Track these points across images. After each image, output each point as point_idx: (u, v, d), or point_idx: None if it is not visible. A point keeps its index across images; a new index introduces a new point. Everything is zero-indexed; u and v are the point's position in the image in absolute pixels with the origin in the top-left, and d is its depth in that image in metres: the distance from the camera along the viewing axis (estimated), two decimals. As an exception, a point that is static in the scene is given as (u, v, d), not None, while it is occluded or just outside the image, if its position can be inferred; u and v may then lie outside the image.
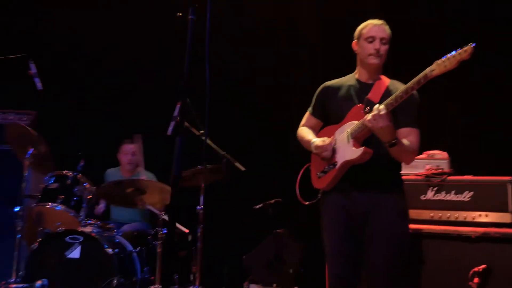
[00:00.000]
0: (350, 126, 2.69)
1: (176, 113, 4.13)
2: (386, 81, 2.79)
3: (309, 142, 2.84)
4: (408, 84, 2.45)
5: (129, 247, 4.05)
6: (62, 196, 3.99)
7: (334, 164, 2.71)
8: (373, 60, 2.75)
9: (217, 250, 4.89)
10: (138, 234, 4.32)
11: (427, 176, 3.60)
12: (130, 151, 5.01)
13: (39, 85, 4.45)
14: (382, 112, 2.44)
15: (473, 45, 2.22)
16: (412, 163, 3.79)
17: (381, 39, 2.74)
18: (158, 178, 4.94)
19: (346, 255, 2.69)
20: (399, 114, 2.63)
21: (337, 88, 2.87)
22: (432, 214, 3.53)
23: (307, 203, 2.93)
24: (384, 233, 2.63)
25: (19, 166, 4.51)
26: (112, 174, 5.09)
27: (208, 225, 4.09)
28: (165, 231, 4.08)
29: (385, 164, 2.67)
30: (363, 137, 2.63)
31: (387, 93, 2.68)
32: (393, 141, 2.51)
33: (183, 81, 2.13)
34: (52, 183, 4.07)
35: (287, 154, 4.78)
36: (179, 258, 4.29)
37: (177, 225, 4.09)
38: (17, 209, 3.98)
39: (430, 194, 3.58)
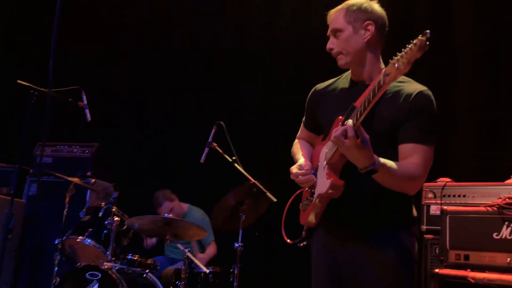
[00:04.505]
0: (329, 146, 2.01)
1: (210, 139, 3.81)
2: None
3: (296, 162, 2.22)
4: (366, 95, 1.77)
5: (159, 286, 3.69)
6: (91, 229, 3.80)
7: (313, 196, 2.06)
8: (338, 62, 2.08)
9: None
10: (176, 273, 3.94)
11: (500, 207, 2.70)
12: (166, 212, 4.42)
13: (88, 116, 4.46)
14: (350, 133, 1.72)
15: (427, 35, 1.54)
16: (485, 190, 3.05)
17: (333, 32, 2.07)
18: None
19: None
20: (401, 126, 1.93)
21: (328, 93, 2.20)
22: (509, 259, 2.63)
23: (290, 241, 2.27)
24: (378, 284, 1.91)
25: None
26: None
27: (245, 264, 3.66)
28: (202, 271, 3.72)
29: (383, 194, 1.93)
30: (340, 163, 1.94)
31: (386, 96, 1.96)
32: (370, 167, 1.79)
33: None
34: (84, 215, 3.91)
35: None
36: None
37: (196, 261, 3.62)
38: (56, 241, 3.93)
39: (506, 232, 2.68)
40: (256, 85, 5.28)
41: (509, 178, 3.12)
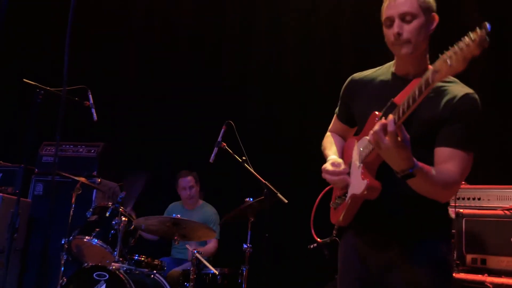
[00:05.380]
0: (363, 144, 1.91)
1: (220, 138, 3.77)
2: None
3: (327, 158, 2.10)
4: (411, 93, 1.63)
5: (167, 287, 3.65)
6: (98, 229, 3.75)
7: (346, 195, 1.97)
8: (400, 51, 1.89)
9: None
10: (184, 274, 3.89)
11: (518, 210, 2.66)
12: (187, 185, 4.67)
13: (94, 115, 4.42)
14: (390, 128, 1.60)
15: (487, 28, 1.35)
16: (500, 193, 3.01)
17: (402, 15, 1.85)
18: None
19: None
20: (440, 128, 1.82)
21: (366, 83, 2.04)
22: (527, 264, 2.58)
23: (320, 240, 2.22)
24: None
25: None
26: (174, 208, 4.79)
27: (253, 265, 3.61)
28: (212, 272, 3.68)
29: (418, 199, 1.82)
30: (376, 163, 1.84)
31: (429, 95, 1.77)
32: (408, 170, 1.66)
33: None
34: (90, 215, 3.87)
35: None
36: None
37: (205, 262, 3.57)
38: (62, 241, 3.88)
39: (524, 236, 2.63)
40: (264, 85, 5.26)
41: (524, 181, 3.09)
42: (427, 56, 1.94)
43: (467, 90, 1.86)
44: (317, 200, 2.34)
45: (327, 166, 1.97)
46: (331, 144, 2.17)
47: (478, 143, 1.85)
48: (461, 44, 1.42)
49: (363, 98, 2.02)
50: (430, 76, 1.51)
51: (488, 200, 3.04)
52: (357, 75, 2.12)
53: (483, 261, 2.69)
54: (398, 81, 1.94)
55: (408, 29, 1.86)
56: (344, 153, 2.14)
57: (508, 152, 4.06)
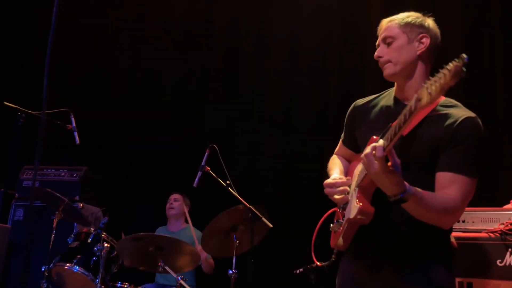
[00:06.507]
0: (360, 168, 1.92)
1: (203, 162, 3.73)
2: None
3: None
4: (397, 120, 1.62)
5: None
6: (79, 256, 3.67)
7: (343, 219, 1.98)
8: (384, 72, 1.97)
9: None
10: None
11: (503, 233, 2.66)
12: (172, 197, 4.70)
13: (77, 139, 4.37)
14: (378, 153, 1.59)
15: (464, 60, 1.38)
16: (485, 215, 3.00)
17: (384, 40, 1.96)
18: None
19: None
20: (441, 153, 1.81)
21: (369, 109, 2.07)
22: (514, 287, 2.57)
23: (319, 264, 2.19)
24: None
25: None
26: (159, 232, 4.73)
27: None
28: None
29: (416, 225, 1.80)
30: (371, 187, 1.83)
31: (430, 118, 1.83)
32: (399, 195, 1.64)
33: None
34: (72, 241, 3.78)
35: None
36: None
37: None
38: (43, 268, 3.78)
39: (510, 259, 2.63)
40: (250, 110, 5.26)
41: (507, 203, 3.09)
42: (423, 78, 1.92)
43: (468, 113, 1.86)
44: (319, 224, 2.31)
45: (329, 180, 1.98)
46: (336, 165, 2.19)
47: (481, 167, 1.82)
48: (439, 74, 1.43)
49: (366, 124, 2.05)
50: (413, 104, 1.51)
51: (473, 222, 3.02)
52: (360, 101, 2.16)
53: (469, 285, 2.67)
54: (399, 106, 1.96)
55: (387, 51, 1.95)
56: (348, 175, 2.13)
57: (491, 173, 4.08)
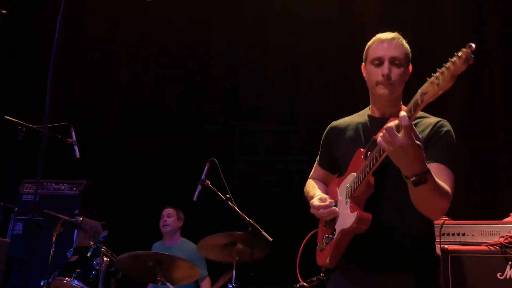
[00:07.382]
0: (350, 180, 1.96)
1: (203, 176, 3.74)
2: None
3: (310, 201, 2.13)
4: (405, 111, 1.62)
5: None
6: (78, 270, 3.65)
7: (333, 234, 1.98)
8: (382, 91, 1.99)
9: None
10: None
11: (503, 246, 2.65)
12: (165, 213, 4.68)
13: (77, 153, 4.38)
14: (404, 122, 1.55)
15: (472, 47, 1.40)
16: (485, 228, 3.00)
17: (392, 59, 1.99)
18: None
19: None
20: (426, 149, 1.82)
21: (345, 128, 2.16)
22: (514, 300, 2.56)
23: (305, 284, 2.19)
24: None
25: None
26: (156, 247, 4.72)
27: None
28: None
29: (403, 233, 1.88)
30: (363, 197, 1.87)
31: None
32: (421, 175, 1.62)
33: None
34: (71, 255, 3.77)
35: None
36: None
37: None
38: (42, 283, 3.77)
39: (510, 272, 2.63)
40: (250, 119, 5.28)
41: (507, 216, 3.09)
42: (401, 99, 2.08)
43: (440, 118, 1.99)
44: (303, 243, 2.33)
45: (315, 201, 2.03)
46: (314, 187, 2.25)
47: (457, 166, 1.91)
48: (448, 63, 1.44)
49: (344, 141, 2.13)
50: (419, 98, 1.53)
51: (473, 235, 3.02)
52: (335, 122, 2.25)
53: (470, 298, 2.67)
54: (376, 122, 2.05)
55: (396, 72, 2.00)
56: (328, 195, 2.15)
57: (491, 187, 4.08)
